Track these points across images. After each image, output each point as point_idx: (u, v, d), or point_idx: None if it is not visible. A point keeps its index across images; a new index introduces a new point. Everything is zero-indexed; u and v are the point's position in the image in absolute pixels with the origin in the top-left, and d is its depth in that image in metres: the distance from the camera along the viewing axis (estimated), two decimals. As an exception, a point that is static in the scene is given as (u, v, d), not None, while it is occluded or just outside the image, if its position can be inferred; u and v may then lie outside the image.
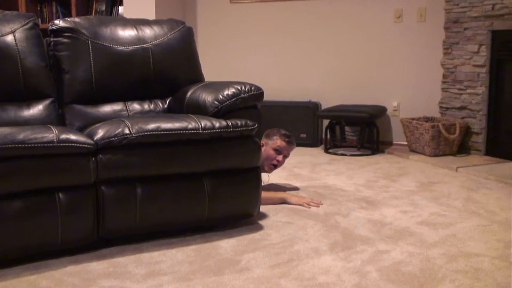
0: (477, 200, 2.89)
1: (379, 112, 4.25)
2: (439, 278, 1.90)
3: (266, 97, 2.65)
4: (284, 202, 2.79)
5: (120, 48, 2.65)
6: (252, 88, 2.40)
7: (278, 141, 2.91)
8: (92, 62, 2.58)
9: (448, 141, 3.96)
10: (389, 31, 4.43)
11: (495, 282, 1.87)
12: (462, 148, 4.09)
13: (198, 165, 2.25)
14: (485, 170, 3.49)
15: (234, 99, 2.36)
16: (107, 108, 2.62)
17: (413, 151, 4.15)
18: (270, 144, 2.91)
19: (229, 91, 2.37)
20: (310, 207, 2.73)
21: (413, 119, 4.18)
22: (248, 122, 2.33)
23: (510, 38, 3.76)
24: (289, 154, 2.98)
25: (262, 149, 2.79)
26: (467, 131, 4.05)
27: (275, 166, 2.94)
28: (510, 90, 3.89)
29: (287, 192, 2.96)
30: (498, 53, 3.86)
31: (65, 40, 2.58)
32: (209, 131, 2.23)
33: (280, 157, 2.91)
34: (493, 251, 2.16)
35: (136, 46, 2.68)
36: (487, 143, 3.99)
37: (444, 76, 4.25)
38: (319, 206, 2.75)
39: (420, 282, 1.87)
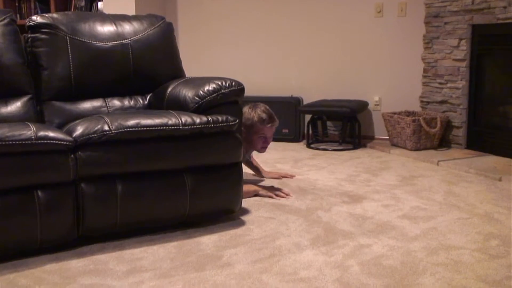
0: (457, 194, 2.92)
1: (361, 106, 4.27)
2: (419, 271, 1.92)
3: (248, 93, 2.65)
4: (256, 194, 2.82)
5: (99, 44, 2.62)
6: (233, 84, 2.39)
7: (260, 129, 2.83)
8: (70, 58, 2.54)
9: (429, 135, 3.99)
10: (370, 26, 4.45)
11: (475, 275, 1.89)
12: (443, 142, 4.12)
13: (179, 161, 2.23)
14: (465, 164, 3.53)
15: (214, 94, 2.34)
16: (87, 105, 2.59)
17: (395, 145, 4.18)
18: (252, 132, 2.83)
19: (210, 87, 2.36)
20: (279, 199, 2.78)
21: (395, 113, 4.21)
22: (229, 117, 2.32)
23: (490, 32, 3.80)
24: (275, 130, 2.94)
25: (244, 135, 2.71)
26: (447, 125, 4.09)
27: (266, 147, 2.93)
28: (490, 84, 3.94)
29: (259, 184, 2.95)
30: (478, 47, 3.90)
31: (43, 36, 2.54)
32: (189, 127, 2.22)
33: (267, 141, 2.89)
34: (473, 244, 2.19)
35: (115, 42, 2.65)
36: (467, 136, 4.04)
37: (425, 71, 4.28)
38: (287, 198, 2.79)
39: (401, 275, 1.88)
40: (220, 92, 2.35)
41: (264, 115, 2.81)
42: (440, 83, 4.14)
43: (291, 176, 3.21)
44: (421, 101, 4.34)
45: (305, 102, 4.57)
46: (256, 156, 3.38)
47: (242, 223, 2.43)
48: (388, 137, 4.28)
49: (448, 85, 4.08)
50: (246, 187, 2.80)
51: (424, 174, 3.38)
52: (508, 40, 3.68)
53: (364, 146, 4.31)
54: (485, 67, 3.93)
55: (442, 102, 4.15)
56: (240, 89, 2.40)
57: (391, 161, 3.77)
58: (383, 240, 2.22)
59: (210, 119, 2.27)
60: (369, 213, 2.59)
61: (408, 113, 4.26)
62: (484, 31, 3.83)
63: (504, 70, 3.90)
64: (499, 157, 3.72)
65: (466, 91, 3.99)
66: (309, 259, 2.03)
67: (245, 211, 2.57)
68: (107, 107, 2.61)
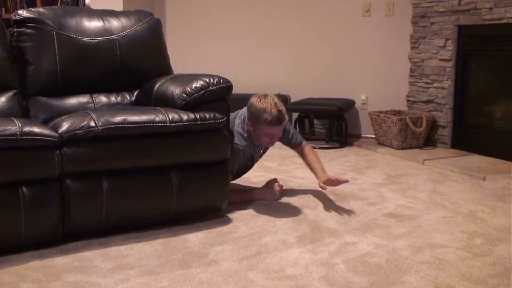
0: (442, 192, 2.94)
1: (348, 105, 4.29)
2: (404, 269, 1.93)
3: (235, 90, 2.62)
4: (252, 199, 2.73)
5: (86, 39, 2.59)
6: (221, 81, 2.38)
7: (265, 128, 2.57)
8: (57, 54, 2.52)
9: (415, 134, 4.02)
10: (357, 25, 4.47)
11: (459, 273, 1.91)
12: (429, 141, 4.16)
13: (165, 158, 2.23)
14: (450, 163, 3.57)
15: (202, 91, 2.34)
16: (73, 101, 2.57)
17: (381, 144, 4.21)
18: (258, 129, 2.59)
19: (198, 84, 2.35)
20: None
21: (381, 112, 4.23)
22: (217, 115, 2.32)
23: (476, 33, 3.83)
24: (284, 128, 2.68)
25: (251, 128, 2.61)
26: (433, 124, 4.12)
27: (273, 143, 2.72)
28: (475, 84, 3.97)
29: (252, 190, 2.82)
30: (464, 48, 3.93)
31: (29, 30, 2.52)
32: (176, 124, 2.21)
33: (274, 139, 2.67)
34: (457, 242, 2.21)
35: (102, 38, 2.63)
36: (452, 136, 4.07)
37: (411, 70, 4.31)
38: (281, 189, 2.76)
39: (386, 273, 1.90)
40: (208, 89, 2.34)
41: (269, 118, 2.51)
42: (426, 83, 4.17)
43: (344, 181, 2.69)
44: (408, 100, 4.37)
45: (292, 100, 4.58)
46: None
47: (228, 221, 2.43)
48: (374, 136, 4.31)
49: (434, 84, 4.11)
50: (237, 194, 2.70)
51: (410, 173, 3.41)
52: (493, 41, 3.72)
53: (350, 144, 4.33)
54: (470, 67, 3.96)
55: (428, 102, 4.18)
56: (228, 86, 2.39)
57: (377, 160, 3.79)
58: (368, 238, 2.24)
59: (197, 116, 2.26)
60: (355, 211, 2.60)
61: (395, 112, 4.28)
62: (470, 32, 3.87)
63: (489, 70, 3.95)
64: (484, 156, 3.76)
65: (452, 91, 4.03)
66: (295, 256, 2.04)
67: (232, 209, 2.57)
68: (93, 103, 2.59)
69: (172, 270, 1.91)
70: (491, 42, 3.74)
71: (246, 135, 2.64)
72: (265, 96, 2.58)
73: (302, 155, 2.88)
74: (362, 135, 4.55)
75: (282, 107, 2.56)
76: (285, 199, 2.77)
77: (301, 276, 1.87)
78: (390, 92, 4.43)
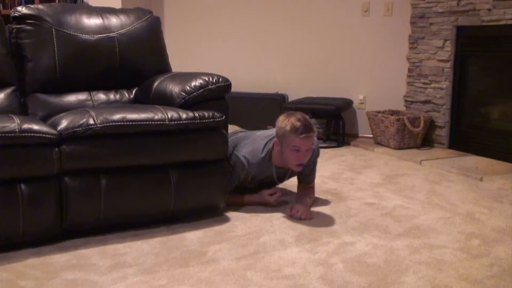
0: (440, 193, 2.95)
1: (346, 104, 4.30)
2: (402, 269, 1.94)
3: (233, 89, 2.59)
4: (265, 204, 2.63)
5: (85, 36, 2.59)
6: (220, 80, 2.38)
7: (293, 141, 2.41)
8: (56, 51, 2.51)
9: (412, 134, 4.03)
10: (356, 25, 4.47)
11: (457, 273, 1.92)
12: (426, 141, 4.17)
13: (164, 156, 2.22)
14: (448, 163, 3.57)
15: (201, 90, 2.34)
16: (72, 98, 2.56)
17: (378, 143, 4.21)
18: (284, 144, 2.44)
19: (197, 82, 2.35)
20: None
21: (379, 112, 4.24)
22: (216, 113, 2.32)
23: (474, 34, 3.84)
24: (313, 144, 2.51)
25: (279, 149, 2.47)
26: (431, 125, 4.13)
27: (302, 164, 2.48)
28: (473, 85, 3.98)
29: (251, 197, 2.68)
30: (462, 49, 3.94)
31: (28, 27, 2.51)
32: (175, 122, 2.21)
33: (301, 156, 2.44)
34: (455, 243, 2.21)
35: (101, 35, 2.63)
36: (450, 136, 4.08)
37: (409, 70, 4.32)
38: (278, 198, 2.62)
39: (384, 273, 1.90)
40: (207, 88, 2.34)
41: (298, 123, 2.39)
42: (424, 83, 4.18)
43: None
44: (405, 101, 4.38)
45: (290, 99, 4.58)
46: None
47: (226, 219, 2.43)
48: (372, 136, 4.31)
49: (432, 85, 4.12)
50: (233, 196, 2.60)
51: (407, 173, 3.41)
52: (492, 42, 3.72)
53: (348, 144, 4.34)
54: (468, 68, 3.97)
55: (425, 102, 4.19)
56: (227, 85, 2.39)
57: (375, 160, 3.79)
58: (366, 238, 2.24)
59: (196, 115, 2.26)
60: (353, 211, 2.61)
61: (392, 112, 4.29)
62: (469, 33, 3.87)
63: (487, 71, 3.95)
64: (481, 157, 3.76)
65: (450, 92, 4.03)
66: (293, 256, 2.04)
67: (230, 208, 2.56)
68: (92, 100, 2.59)
69: (170, 269, 1.91)
70: (489, 43, 3.75)
71: (263, 155, 2.53)
72: (293, 112, 2.51)
73: (302, 188, 2.75)
74: (360, 135, 4.55)
75: (309, 120, 2.47)
76: (282, 198, 2.77)
77: (299, 275, 1.87)
78: (388, 92, 4.44)
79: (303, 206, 2.52)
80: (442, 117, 4.06)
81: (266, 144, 2.56)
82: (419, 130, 4.01)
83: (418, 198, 2.84)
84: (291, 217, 2.48)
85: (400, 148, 4.02)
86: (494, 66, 3.89)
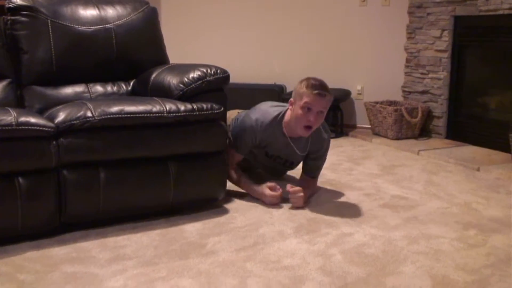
0: (437, 183, 2.96)
1: (344, 95, 4.29)
2: (400, 260, 1.95)
3: (231, 80, 2.59)
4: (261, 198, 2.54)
5: (81, 28, 2.57)
6: (218, 71, 2.37)
7: (305, 96, 2.34)
8: (52, 42, 2.50)
9: (410, 125, 4.03)
10: (354, 15, 4.45)
11: (454, 263, 1.93)
12: (424, 131, 4.17)
13: (162, 149, 2.22)
14: (445, 154, 3.58)
15: (199, 82, 2.33)
16: (69, 90, 2.55)
17: (376, 134, 4.22)
18: (297, 100, 2.38)
19: (195, 74, 2.34)
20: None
21: (377, 102, 4.24)
22: (214, 105, 2.31)
23: (472, 24, 3.83)
24: (325, 109, 2.41)
25: (292, 108, 2.43)
26: (428, 115, 4.13)
27: (310, 128, 2.40)
28: (470, 75, 3.98)
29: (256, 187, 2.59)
30: (460, 39, 3.93)
31: (23, 19, 2.50)
32: (174, 114, 2.20)
33: (311, 116, 2.36)
34: (452, 233, 2.23)
35: (98, 27, 2.61)
36: (447, 126, 4.09)
37: (407, 61, 4.31)
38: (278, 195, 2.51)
39: (383, 264, 1.91)
40: (205, 79, 2.33)
41: (314, 82, 2.37)
42: (422, 73, 4.18)
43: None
44: (403, 91, 4.38)
45: (288, 90, 4.57)
46: None
47: (225, 211, 2.43)
48: (370, 126, 4.31)
49: (430, 75, 4.11)
50: (233, 172, 2.59)
51: (405, 163, 3.42)
52: (489, 32, 3.72)
53: (346, 134, 4.34)
54: (466, 58, 3.97)
55: (423, 92, 4.19)
56: (225, 76, 2.39)
57: (373, 150, 3.80)
58: (365, 229, 2.25)
59: (194, 106, 2.26)
60: (351, 202, 2.61)
61: (390, 103, 4.29)
62: (466, 23, 3.86)
63: (485, 61, 3.95)
64: (478, 147, 3.77)
65: (447, 82, 4.03)
66: (293, 247, 2.05)
67: (229, 199, 2.57)
68: (89, 92, 2.58)
69: (170, 261, 1.91)
70: (487, 33, 3.74)
71: (274, 114, 2.49)
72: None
73: (305, 178, 2.68)
74: (358, 125, 4.55)
75: (326, 84, 2.43)
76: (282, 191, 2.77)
77: (299, 266, 1.88)
78: (386, 83, 4.43)
79: (301, 192, 2.47)
80: (440, 107, 4.07)
81: (278, 106, 2.55)
82: (416, 120, 4.02)
83: (416, 189, 2.85)
84: (288, 191, 2.45)
85: (398, 139, 4.02)
86: (491, 56, 3.89)
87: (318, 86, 2.35)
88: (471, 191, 2.82)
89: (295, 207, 2.47)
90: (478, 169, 3.24)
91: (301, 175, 2.73)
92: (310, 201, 2.59)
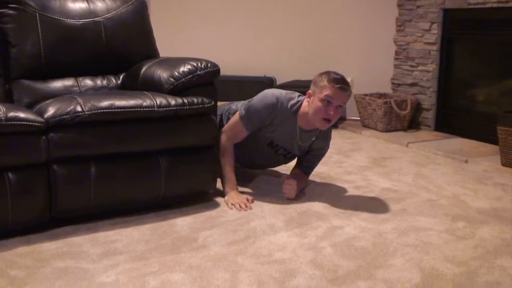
0: (426, 176, 2.99)
1: (333, 88, 4.29)
2: (390, 252, 1.97)
3: (221, 72, 2.58)
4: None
5: (70, 21, 2.55)
6: (209, 65, 2.37)
7: (326, 89, 2.32)
8: (40, 36, 2.47)
9: (399, 117, 4.06)
10: (343, 7, 4.45)
11: (443, 255, 1.95)
12: (413, 123, 4.20)
13: (153, 143, 2.22)
14: (434, 146, 3.61)
15: (190, 76, 2.32)
16: (58, 84, 2.53)
17: (366, 126, 4.24)
18: (317, 93, 2.36)
19: (185, 68, 2.34)
20: (240, 210, 2.38)
21: (366, 95, 4.26)
22: (205, 99, 2.31)
23: (461, 17, 3.85)
24: (344, 104, 2.40)
25: (310, 100, 2.40)
26: (417, 107, 4.16)
27: (329, 121, 2.38)
28: (459, 68, 4.01)
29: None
30: (449, 31, 3.96)
31: (11, 12, 2.46)
32: (164, 108, 2.20)
33: (331, 109, 2.34)
34: (441, 225, 2.25)
35: (87, 20, 2.59)
36: (436, 119, 4.12)
37: (396, 53, 4.33)
38: (246, 210, 2.38)
39: (373, 257, 1.93)
40: (196, 73, 2.33)
41: (337, 76, 2.35)
42: (411, 66, 4.20)
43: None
44: (392, 83, 4.40)
45: (278, 83, 4.57)
46: None
47: (216, 205, 2.44)
48: (359, 118, 4.33)
49: (419, 68, 4.14)
50: (232, 180, 2.51)
51: (394, 155, 3.45)
52: (478, 25, 3.74)
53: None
54: (455, 51, 3.99)
55: (412, 85, 4.21)
56: (215, 70, 2.38)
57: (362, 142, 3.82)
58: (355, 221, 2.27)
59: (185, 101, 2.25)
60: (342, 194, 2.63)
61: (380, 95, 4.31)
62: (455, 16, 3.89)
63: (473, 54, 3.98)
64: (466, 139, 3.81)
65: (436, 74, 4.06)
66: (284, 241, 2.06)
67: (220, 193, 2.57)
68: (79, 86, 2.56)
69: (161, 255, 1.92)
70: (475, 26, 3.76)
71: (294, 101, 2.45)
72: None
73: (297, 173, 2.67)
74: (347, 118, 4.57)
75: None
76: (271, 183, 2.79)
77: (290, 260, 1.89)
78: (376, 75, 4.45)
79: (295, 184, 2.50)
80: (429, 100, 4.09)
81: (297, 96, 2.50)
82: (406, 112, 4.04)
83: (405, 181, 2.87)
84: (282, 180, 2.53)
85: (387, 131, 4.05)
86: (480, 49, 3.92)
87: (340, 80, 2.34)
88: (459, 183, 2.85)
89: (287, 198, 2.49)
90: (466, 161, 3.28)
91: (294, 170, 2.72)
92: (304, 194, 2.60)
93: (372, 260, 1.90)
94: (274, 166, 2.89)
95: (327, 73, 2.38)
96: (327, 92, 2.32)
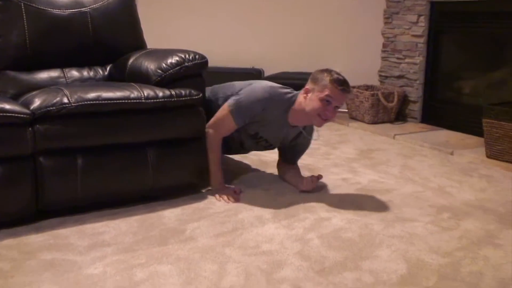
0: (412, 167, 3.02)
1: (321, 80, 4.30)
2: (376, 244, 1.99)
3: (208, 64, 2.56)
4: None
5: (56, 11, 2.53)
6: (196, 57, 2.36)
7: (328, 89, 2.26)
8: (26, 26, 2.45)
9: (386, 109, 4.08)
10: (331, -1, 4.46)
11: (428, 246, 1.98)
12: (400, 115, 4.23)
13: (141, 135, 2.21)
14: (420, 138, 3.64)
15: (177, 67, 2.32)
16: (44, 75, 2.51)
17: (353, 118, 4.26)
18: (317, 91, 2.29)
19: (173, 60, 2.33)
20: (228, 202, 2.37)
21: (354, 87, 4.27)
22: (192, 91, 2.31)
23: (448, 10, 3.87)
24: (342, 104, 2.38)
25: (307, 96, 2.33)
26: (404, 99, 4.18)
27: (326, 120, 2.34)
28: (446, 61, 4.04)
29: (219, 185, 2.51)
30: (436, 24, 3.98)
31: (-4, 2, 2.44)
32: (152, 100, 2.19)
33: (330, 109, 2.29)
34: (426, 216, 2.28)
35: (73, 10, 2.57)
36: (423, 111, 4.15)
37: (384, 45, 4.35)
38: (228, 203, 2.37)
39: (359, 248, 1.95)
40: (184, 65, 2.32)
41: (340, 77, 2.29)
42: (398, 58, 4.22)
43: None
44: (380, 76, 4.42)
45: (266, 74, 4.57)
46: None
47: (204, 197, 2.44)
48: (347, 110, 4.35)
49: (406, 60, 4.16)
50: (218, 173, 2.47)
51: (381, 147, 3.47)
52: (465, 18, 3.77)
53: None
54: (442, 44, 4.02)
55: (399, 77, 4.23)
56: (203, 62, 2.38)
57: (350, 134, 3.84)
58: (342, 213, 2.29)
59: (173, 92, 2.25)
60: (329, 186, 2.65)
61: (367, 87, 4.33)
62: (443, 8, 3.91)
63: (460, 47, 4.01)
64: (452, 131, 3.85)
65: (423, 67, 4.08)
66: (271, 232, 2.07)
67: (208, 185, 2.57)
68: (65, 77, 2.54)
69: (149, 247, 1.92)
70: (462, 19, 3.79)
71: (286, 97, 2.39)
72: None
73: (289, 167, 2.65)
74: (335, 109, 4.58)
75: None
76: (259, 175, 2.80)
77: (277, 251, 1.91)
78: (363, 67, 4.46)
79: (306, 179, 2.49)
80: (415, 92, 4.12)
81: (290, 91, 2.43)
82: (393, 105, 4.07)
83: (392, 173, 2.90)
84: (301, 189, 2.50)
85: (375, 123, 4.07)
86: (466, 42, 3.95)
87: (343, 82, 2.28)
88: (445, 175, 2.88)
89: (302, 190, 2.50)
90: (452, 153, 3.31)
91: (281, 165, 2.68)
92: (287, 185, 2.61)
93: (358, 251, 1.92)
94: (248, 152, 2.82)
95: (329, 72, 2.30)
96: (328, 92, 2.26)
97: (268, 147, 2.63)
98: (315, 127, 2.60)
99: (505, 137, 3.03)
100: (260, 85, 2.41)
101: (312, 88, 2.31)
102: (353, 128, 4.07)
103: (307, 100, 2.33)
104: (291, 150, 2.66)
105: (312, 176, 2.51)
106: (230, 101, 2.39)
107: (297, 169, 2.68)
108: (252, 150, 2.75)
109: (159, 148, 2.27)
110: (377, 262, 1.85)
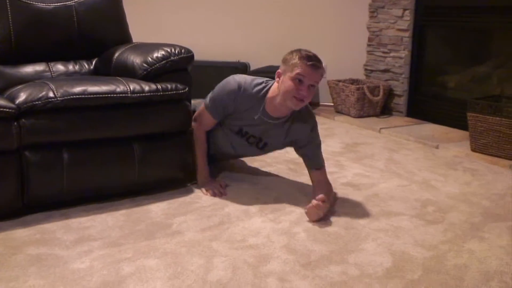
0: (398, 161, 3.04)
1: (308, 73, 4.31)
2: (362, 237, 2.01)
3: (194, 57, 2.53)
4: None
5: (41, 5, 2.50)
6: (182, 51, 2.36)
7: (298, 67, 2.17)
8: (10, 20, 2.42)
9: (372, 103, 4.11)
10: (318, -7, 4.46)
11: (413, 239, 2.01)
12: (385, 109, 4.26)
13: (127, 129, 2.21)
14: (405, 132, 3.68)
15: (163, 62, 2.31)
16: (29, 69, 2.49)
17: (339, 112, 4.28)
18: (288, 71, 2.20)
19: (159, 54, 2.32)
20: (215, 196, 2.37)
21: (339, 81, 4.29)
22: (178, 85, 2.30)
23: (433, 4, 3.90)
24: (317, 83, 2.24)
25: (279, 80, 2.25)
26: (389, 93, 4.21)
27: (302, 101, 2.22)
28: (431, 55, 4.07)
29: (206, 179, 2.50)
30: (421, 18, 4.00)
31: (-21, -6, 2.40)
32: (138, 94, 2.18)
33: (303, 89, 2.19)
34: (412, 210, 2.30)
35: (58, 4, 2.54)
36: (408, 105, 4.18)
37: (369, 39, 4.37)
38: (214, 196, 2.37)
39: (345, 241, 1.97)
40: (170, 59, 2.31)
41: (308, 53, 2.22)
42: (384, 52, 4.24)
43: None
44: (365, 69, 4.44)
45: (252, 68, 4.57)
46: None
47: (191, 191, 2.44)
48: (333, 104, 4.37)
49: (391, 54, 4.18)
50: (204, 168, 2.47)
51: (367, 141, 3.49)
52: (450, 12, 3.79)
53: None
54: (427, 38, 4.05)
55: (385, 71, 4.26)
56: (189, 56, 2.37)
57: (336, 128, 3.86)
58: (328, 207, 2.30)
59: (159, 87, 2.24)
60: (315, 180, 2.66)
61: (353, 81, 4.35)
62: (428, 2, 3.93)
63: (445, 41, 4.04)
64: (437, 125, 3.89)
65: (408, 61, 4.11)
66: (257, 226, 2.08)
67: (194, 179, 2.57)
68: (50, 71, 2.52)
69: (135, 241, 1.92)
70: (448, 13, 3.82)
71: (259, 87, 2.32)
72: None
73: (314, 180, 2.41)
74: (321, 103, 4.60)
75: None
76: (246, 169, 2.80)
77: (264, 245, 1.92)
78: (349, 61, 4.48)
79: (316, 207, 2.14)
80: (401, 86, 4.15)
81: (264, 81, 2.37)
82: (378, 99, 4.09)
83: (377, 167, 2.92)
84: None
85: (360, 117, 4.09)
86: (451, 36, 3.98)
87: (312, 57, 2.20)
88: (430, 168, 2.92)
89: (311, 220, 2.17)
90: (437, 147, 3.35)
91: (311, 175, 2.43)
92: (274, 182, 2.62)
93: (344, 245, 1.94)
94: (251, 156, 2.75)
95: (298, 50, 2.24)
96: (298, 70, 2.17)
97: (259, 144, 2.50)
98: (306, 114, 2.42)
99: (490, 130, 3.07)
100: (231, 78, 2.39)
101: (283, 70, 2.24)
102: (339, 122, 4.09)
103: (280, 84, 2.26)
104: (301, 151, 2.49)
105: (315, 201, 2.14)
106: (208, 96, 2.43)
107: (318, 184, 2.38)
108: (249, 153, 2.61)
109: (145, 142, 2.26)
110: (363, 255, 1.87)
